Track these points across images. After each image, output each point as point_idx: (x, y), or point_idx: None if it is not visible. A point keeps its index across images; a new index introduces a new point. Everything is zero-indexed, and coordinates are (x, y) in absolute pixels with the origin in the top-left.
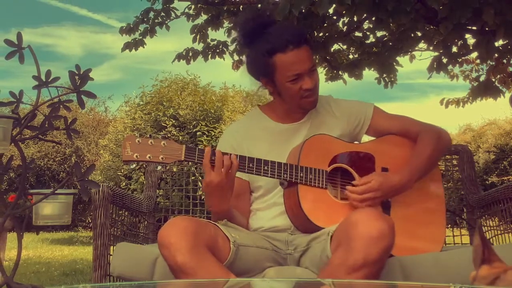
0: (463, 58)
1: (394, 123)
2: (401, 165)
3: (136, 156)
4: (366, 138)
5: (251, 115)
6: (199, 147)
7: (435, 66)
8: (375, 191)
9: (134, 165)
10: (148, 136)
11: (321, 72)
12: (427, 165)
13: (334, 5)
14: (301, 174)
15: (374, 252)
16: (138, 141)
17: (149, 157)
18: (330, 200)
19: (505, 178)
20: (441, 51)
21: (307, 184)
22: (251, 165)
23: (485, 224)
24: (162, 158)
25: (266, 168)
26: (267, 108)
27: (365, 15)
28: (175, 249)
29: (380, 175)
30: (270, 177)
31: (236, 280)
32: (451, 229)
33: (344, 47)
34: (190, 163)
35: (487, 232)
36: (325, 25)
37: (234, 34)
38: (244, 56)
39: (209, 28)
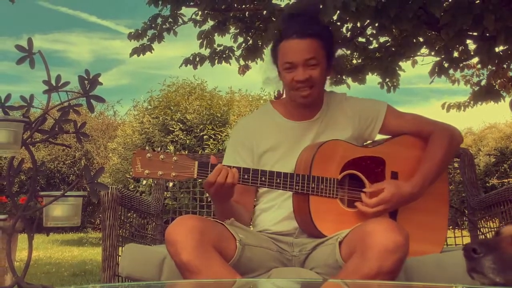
0: (464, 63)
1: (407, 123)
2: (411, 168)
3: (147, 173)
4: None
5: (263, 110)
6: (206, 152)
7: (436, 70)
8: (386, 203)
9: (145, 180)
10: (159, 151)
11: None
12: (439, 169)
13: (338, 12)
14: (313, 185)
15: (389, 264)
16: (149, 156)
17: (161, 174)
18: (340, 210)
19: (505, 180)
20: (442, 56)
21: (318, 195)
22: (263, 178)
23: (486, 226)
24: (174, 176)
25: (278, 181)
26: (279, 104)
27: (368, 21)
28: (181, 247)
29: (392, 184)
30: (282, 189)
31: (243, 281)
32: (453, 230)
33: (348, 52)
34: None
35: (488, 233)
36: None
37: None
38: (249, 62)
39: (216, 34)
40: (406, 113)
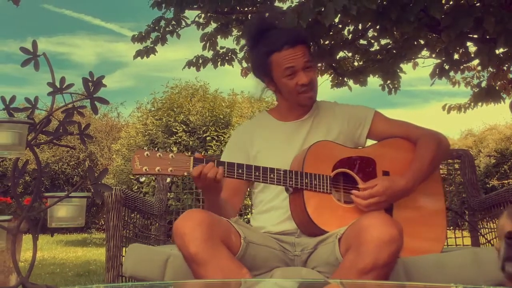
0: (464, 65)
1: (394, 128)
2: (401, 168)
3: (145, 169)
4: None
5: (258, 116)
6: (209, 153)
7: (437, 72)
8: (380, 196)
9: (144, 178)
10: (156, 149)
11: (327, 79)
12: (430, 168)
13: (339, 15)
14: (306, 181)
15: (384, 256)
16: (147, 154)
17: (158, 169)
18: (335, 205)
19: (505, 181)
20: (443, 58)
21: (312, 190)
22: (257, 173)
23: (486, 226)
24: (171, 170)
25: (272, 176)
26: (273, 110)
27: (369, 23)
28: (189, 239)
29: (385, 179)
30: (277, 184)
31: (248, 282)
32: (453, 231)
33: (349, 54)
34: None
35: (488, 234)
36: (331, 33)
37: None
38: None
39: (219, 36)
40: (394, 119)
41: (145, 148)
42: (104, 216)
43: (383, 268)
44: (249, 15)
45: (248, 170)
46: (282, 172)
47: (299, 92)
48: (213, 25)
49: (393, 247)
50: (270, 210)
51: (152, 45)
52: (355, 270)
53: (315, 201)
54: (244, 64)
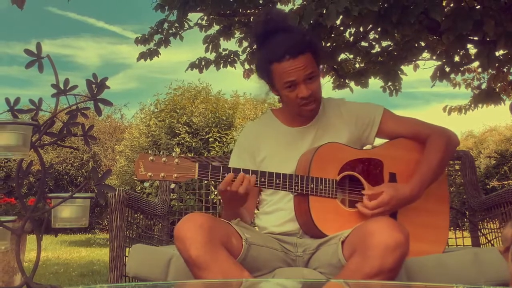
0: (465, 67)
1: (404, 126)
2: (409, 170)
3: (150, 175)
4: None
5: (264, 117)
6: (211, 154)
7: (438, 74)
8: (385, 205)
9: (148, 183)
10: (161, 154)
11: (329, 80)
12: (437, 172)
13: (341, 17)
14: (312, 186)
15: (390, 261)
16: (151, 159)
17: (163, 175)
18: (339, 210)
19: (506, 182)
20: (443, 60)
21: (317, 195)
22: (263, 179)
23: (486, 227)
24: (175, 177)
25: (277, 181)
26: (278, 112)
27: (371, 26)
28: (190, 243)
29: (391, 187)
30: (282, 190)
31: (249, 281)
32: (454, 231)
33: (351, 56)
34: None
35: (488, 234)
36: (333, 35)
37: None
38: (254, 66)
39: (221, 38)
40: (403, 117)
41: (148, 150)
42: (108, 216)
43: (388, 273)
44: (252, 17)
45: (254, 176)
46: (288, 177)
47: (300, 104)
48: (216, 27)
49: (399, 252)
50: (275, 211)
51: (155, 47)
52: (361, 274)
53: (320, 206)
54: (247, 66)
